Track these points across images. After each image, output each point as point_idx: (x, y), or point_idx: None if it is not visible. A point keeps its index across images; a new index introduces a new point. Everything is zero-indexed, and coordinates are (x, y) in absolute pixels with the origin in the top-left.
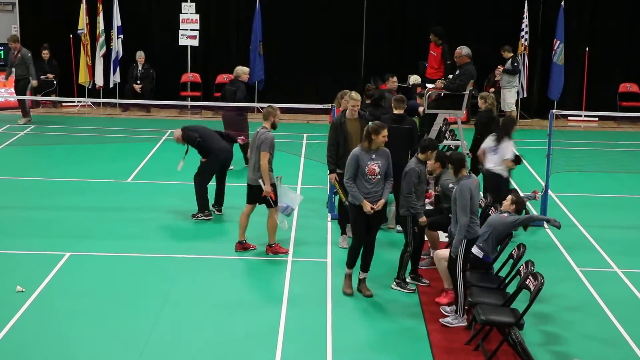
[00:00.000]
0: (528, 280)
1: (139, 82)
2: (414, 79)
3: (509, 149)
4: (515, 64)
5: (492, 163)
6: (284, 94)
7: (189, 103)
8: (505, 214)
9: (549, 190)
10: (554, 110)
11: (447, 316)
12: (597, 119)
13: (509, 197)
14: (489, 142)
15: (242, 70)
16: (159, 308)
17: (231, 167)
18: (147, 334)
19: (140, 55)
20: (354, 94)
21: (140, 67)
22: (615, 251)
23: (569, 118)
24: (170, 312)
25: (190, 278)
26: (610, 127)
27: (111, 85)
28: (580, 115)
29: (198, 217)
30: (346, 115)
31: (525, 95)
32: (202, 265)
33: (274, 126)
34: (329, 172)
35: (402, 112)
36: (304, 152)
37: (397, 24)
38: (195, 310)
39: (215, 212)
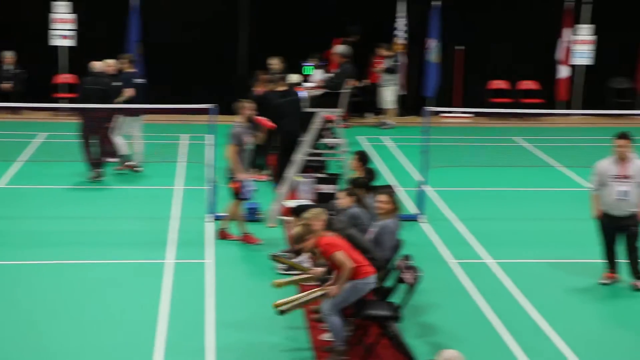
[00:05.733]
0: (405, 274)
1: (4, 82)
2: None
3: None
4: (396, 63)
5: None
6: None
7: (62, 105)
8: None
9: (427, 185)
10: (427, 107)
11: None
12: (470, 115)
13: None
14: None
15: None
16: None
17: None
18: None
19: (6, 55)
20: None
21: (6, 68)
22: (489, 242)
23: (442, 115)
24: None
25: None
26: (482, 122)
27: None
28: (453, 112)
29: None
30: None
31: (405, 92)
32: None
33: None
34: None
35: (286, 88)
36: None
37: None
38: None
39: None
